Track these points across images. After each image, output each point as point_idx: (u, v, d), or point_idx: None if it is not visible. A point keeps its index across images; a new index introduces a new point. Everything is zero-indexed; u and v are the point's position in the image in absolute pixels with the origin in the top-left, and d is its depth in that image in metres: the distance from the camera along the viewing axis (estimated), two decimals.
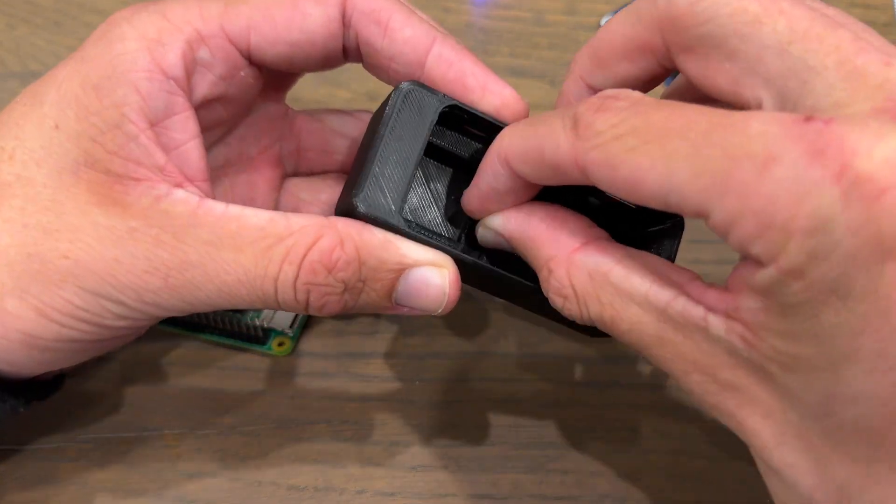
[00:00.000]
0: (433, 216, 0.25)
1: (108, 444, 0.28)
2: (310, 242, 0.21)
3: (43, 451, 0.28)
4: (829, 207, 0.15)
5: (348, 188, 0.23)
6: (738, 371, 0.18)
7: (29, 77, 0.37)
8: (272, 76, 0.26)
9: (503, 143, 0.21)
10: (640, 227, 0.24)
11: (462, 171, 0.25)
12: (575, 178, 0.20)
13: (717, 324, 0.18)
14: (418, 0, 0.41)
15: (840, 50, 0.18)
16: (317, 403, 0.28)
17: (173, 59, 0.22)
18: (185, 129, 0.23)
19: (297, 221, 0.22)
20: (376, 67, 0.25)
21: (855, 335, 0.16)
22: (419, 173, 0.24)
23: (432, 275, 0.23)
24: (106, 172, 0.22)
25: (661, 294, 0.19)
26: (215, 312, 0.29)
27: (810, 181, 0.16)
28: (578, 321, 0.21)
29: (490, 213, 0.23)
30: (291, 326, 0.30)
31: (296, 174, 0.29)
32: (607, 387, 0.28)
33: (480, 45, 0.40)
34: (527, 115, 0.24)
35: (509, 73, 0.38)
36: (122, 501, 0.27)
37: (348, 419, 0.28)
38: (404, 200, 0.22)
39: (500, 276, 0.23)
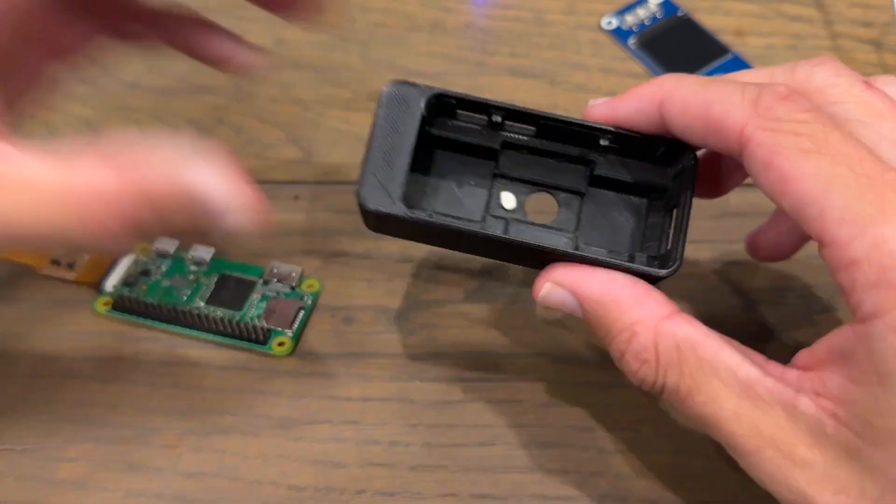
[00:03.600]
0: (452, 199, 0.26)
1: (108, 443, 0.28)
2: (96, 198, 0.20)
3: (43, 450, 0.28)
4: None
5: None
6: (816, 449, 0.19)
7: None
8: None
9: (667, 86, 0.22)
10: (643, 185, 0.25)
11: (472, 153, 0.26)
12: (726, 145, 0.21)
13: (806, 402, 0.19)
14: (419, 0, 0.41)
15: None
16: (317, 403, 0.29)
17: None
18: None
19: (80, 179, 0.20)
20: None
21: None
22: (435, 165, 0.26)
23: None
24: None
25: (750, 371, 0.20)
26: (215, 313, 0.29)
27: None
28: (646, 387, 0.22)
29: (614, 120, 0.24)
30: (291, 326, 0.30)
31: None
32: (607, 387, 0.28)
33: (480, 44, 0.40)
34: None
35: (509, 73, 0.38)
36: (122, 502, 0.27)
37: (348, 419, 0.28)
38: (405, 188, 0.23)
39: (519, 244, 0.24)
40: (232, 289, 0.31)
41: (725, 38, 0.39)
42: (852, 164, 0.19)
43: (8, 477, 0.27)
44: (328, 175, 0.35)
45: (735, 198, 0.28)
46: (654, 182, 0.25)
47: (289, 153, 0.36)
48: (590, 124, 0.25)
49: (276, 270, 0.31)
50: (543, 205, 0.26)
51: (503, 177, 0.26)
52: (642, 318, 0.22)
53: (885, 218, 0.18)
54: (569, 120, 0.25)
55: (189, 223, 0.22)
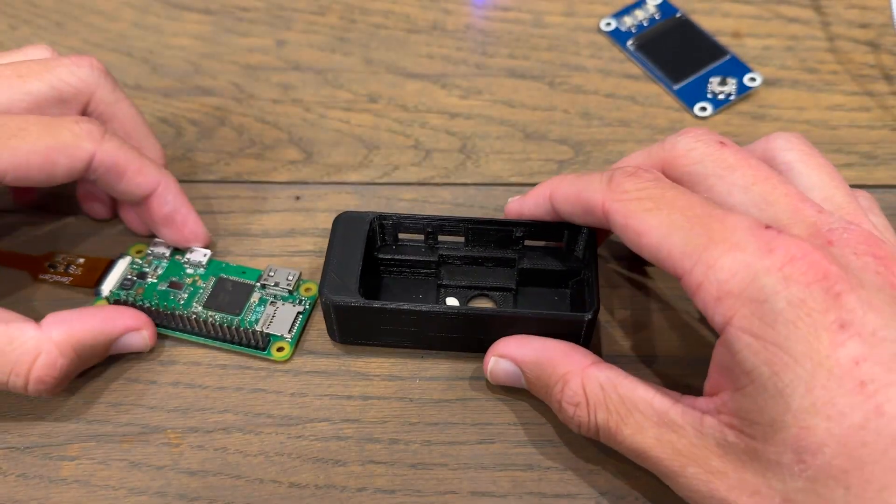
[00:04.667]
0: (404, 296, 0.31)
1: (111, 442, 0.28)
2: (31, 360, 0.27)
3: (45, 449, 0.28)
4: (773, 286, 0.21)
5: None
6: (725, 458, 0.22)
7: None
8: None
9: (553, 184, 0.28)
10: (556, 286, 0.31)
11: (417, 270, 0.31)
12: (596, 219, 0.26)
13: (710, 420, 0.23)
14: (419, 2, 0.42)
15: (788, 196, 0.24)
16: (317, 402, 0.29)
17: None
18: None
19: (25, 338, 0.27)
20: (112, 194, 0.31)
21: (809, 389, 0.20)
22: (385, 289, 0.31)
23: (134, 339, 0.29)
24: None
25: (663, 401, 0.24)
26: (215, 316, 0.30)
27: (762, 267, 0.21)
28: (584, 430, 0.25)
29: (523, 215, 0.29)
30: (290, 331, 0.30)
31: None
32: None
33: (479, 46, 0.40)
34: (208, 243, 0.32)
35: (508, 75, 0.39)
36: (125, 500, 0.27)
37: (349, 417, 0.28)
38: (359, 284, 0.28)
39: (474, 314, 0.28)
40: (230, 292, 0.31)
41: (723, 40, 0.39)
42: (684, 210, 0.23)
43: (10, 475, 0.27)
44: (329, 176, 0.35)
45: None
46: (570, 267, 0.30)
47: (290, 154, 0.36)
48: (506, 220, 0.30)
49: (273, 274, 0.31)
50: (484, 305, 0.31)
51: (445, 286, 0.31)
52: (571, 368, 0.26)
53: (713, 243, 0.22)
54: (490, 220, 0.30)
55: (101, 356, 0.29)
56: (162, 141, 0.34)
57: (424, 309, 0.28)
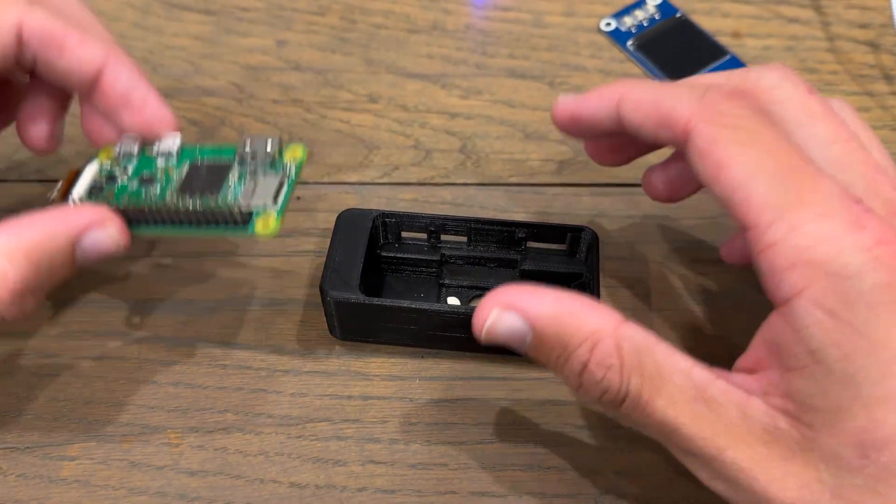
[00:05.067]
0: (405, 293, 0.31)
1: (111, 442, 0.28)
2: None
3: (45, 449, 0.28)
4: (861, 265, 0.19)
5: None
6: (772, 446, 0.20)
7: None
8: None
9: (625, 88, 0.24)
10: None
11: (419, 269, 0.31)
12: (670, 136, 0.22)
13: (757, 403, 0.20)
14: (419, 2, 0.42)
15: (867, 164, 0.22)
16: (318, 401, 0.29)
17: None
18: None
19: None
20: (54, 82, 0.27)
21: (883, 377, 0.18)
22: (387, 287, 0.31)
23: (99, 237, 0.25)
24: None
25: (702, 374, 0.21)
26: (191, 201, 0.26)
27: (851, 243, 0.19)
28: (608, 397, 0.22)
29: (577, 118, 0.26)
30: (275, 201, 0.26)
31: None
32: None
33: (479, 46, 0.40)
34: (176, 130, 0.28)
35: (508, 75, 0.39)
36: (124, 500, 0.27)
37: (349, 417, 0.28)
38: (361, 281, 0.28)
39: (466, 312, 0.27)
40: (204, 176, 0.27)
41: (723, 40, 0.39)
42: (778, 157, 0.20)
43: (10, 475, 0.27)
44: (329, 176, 0.35)
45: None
46: (572, 269, 0.30)
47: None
48: (509, 221, 0.30)
49: (251, 144, 0.27)
50: None
51: (447, 286, 0.31)
52: (602, 325, 0.22)
53: (802, 205, 0.20)
54: (493, 220, 0.30)
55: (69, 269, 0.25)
56: None
57: (425, 307, 0.28)
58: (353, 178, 0.35)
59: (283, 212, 0.26)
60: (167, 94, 0.38)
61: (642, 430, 0.22)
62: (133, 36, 0.41)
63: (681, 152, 0.23)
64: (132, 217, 0.27)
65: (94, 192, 0.28)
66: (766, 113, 0.22)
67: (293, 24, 0.41)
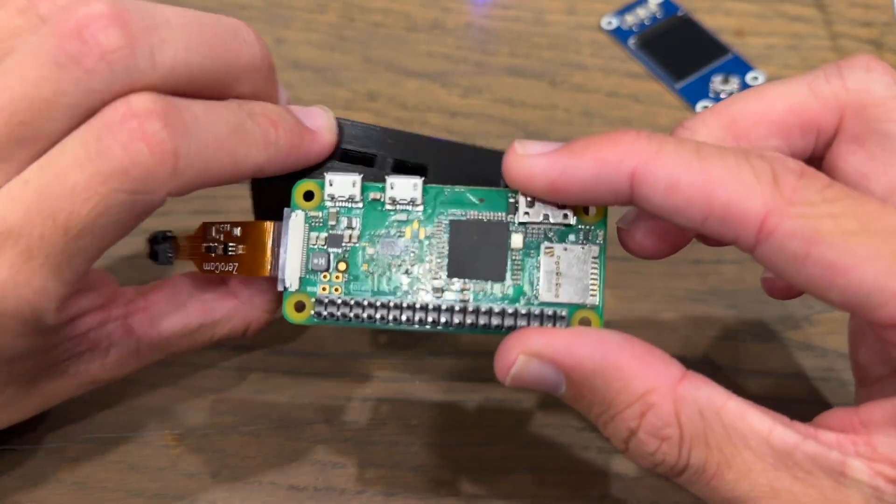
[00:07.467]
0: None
1: (109, 443, 0.28)
2: None
3: (43, 450, 0.28)
4: None
5: None
6: None
7: None
8: None
9: (639, 151, 0.17)
10: None
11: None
12: (734, 236, 0.17)
13: (859, 467, 0.17)
14: (418, 0, 0.41)
15: None
16: (317, 403, 0.29)
17: None
18: None
19: None
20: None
21: None
22: None
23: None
24: None
25: (785, 435, 0.17)
26: (466, 298, 0.20)
27: None
28: (663, 470, 0.18)
29: (561, 190, 0.18)
30: (593, 292, 0.21)
31: None
32: None
33: (480, 44, 0.40)
34: None
35: (509, 73, 0.38)
36: (123, 502, 0.27)
37: (348, 419, 0.28)
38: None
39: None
40: (475, 242, 0.20)
41: (725, 38, 0.39)
42: None
43: (9, 476, 0.27)
44: None
45: None
46: None
47: None
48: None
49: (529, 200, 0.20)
50: None
51: None
52: (657, 383, 0.17)
53: None
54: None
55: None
56: None
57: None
58: None
59: (602, 307, 0.20)
60: None
61: (708, 502, 0.19)
62: None
63: (743, 248, 0.17)
64: (376, 312, 0.19)
65: (315, 268, 0.19)
66: (846, 186, 0.17)
67: (292, 22, 0.41)
